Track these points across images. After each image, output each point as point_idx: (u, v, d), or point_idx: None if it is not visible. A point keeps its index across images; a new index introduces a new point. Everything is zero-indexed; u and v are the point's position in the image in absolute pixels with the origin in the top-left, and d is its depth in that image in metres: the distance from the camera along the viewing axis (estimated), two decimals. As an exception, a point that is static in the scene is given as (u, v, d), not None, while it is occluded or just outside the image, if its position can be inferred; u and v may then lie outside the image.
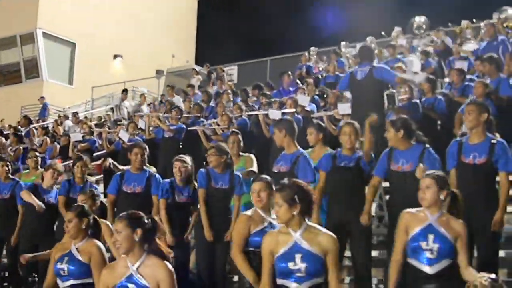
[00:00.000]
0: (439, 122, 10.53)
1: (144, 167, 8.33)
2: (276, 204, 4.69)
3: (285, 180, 4.86)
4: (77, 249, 5.70)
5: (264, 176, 6.05)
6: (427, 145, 6.70)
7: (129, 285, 4.40)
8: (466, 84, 11.35)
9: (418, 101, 10.57)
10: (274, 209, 4.79)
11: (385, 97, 10.09)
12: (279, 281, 4.71)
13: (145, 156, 8.27)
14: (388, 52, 15.61)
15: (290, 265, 4.64)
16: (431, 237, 5.00)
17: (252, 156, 9.03)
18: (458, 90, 11.26)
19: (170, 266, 4.45)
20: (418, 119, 10.14)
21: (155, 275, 4.40)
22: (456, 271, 5.00)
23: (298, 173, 7.15)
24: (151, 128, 13.63)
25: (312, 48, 19.79)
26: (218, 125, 12.53)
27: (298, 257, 4.59)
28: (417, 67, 13.99)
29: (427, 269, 5.01)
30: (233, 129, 10.67)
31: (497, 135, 6.88)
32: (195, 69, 22.37)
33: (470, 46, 14.30)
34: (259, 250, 4.95)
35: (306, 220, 4.69)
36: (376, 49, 15.99)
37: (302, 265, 4.57)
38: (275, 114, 11.47)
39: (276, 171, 7.39)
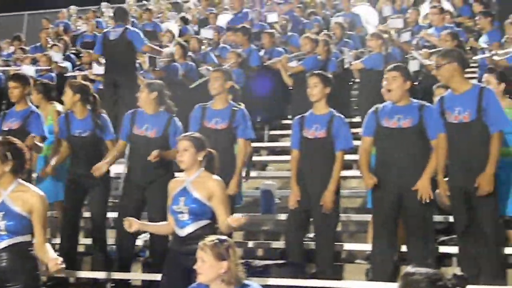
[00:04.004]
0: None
1: None
2: None
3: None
4: None
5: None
6: (174, 115, 6.77)
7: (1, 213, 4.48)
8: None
9: (178, 64, 10.70)
10: None
11: (146, 58, 10.24)
12: None
13: None
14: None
15: None
16: (182, 199, 5.05)
17: None
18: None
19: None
20: (176, 82, 10.46)
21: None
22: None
23: (30, 128, 6.98)
24: None
25: (72, 7, 19.35)
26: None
27: (1, 215, 4.47)
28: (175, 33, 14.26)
29: (180, 232, 5.10)
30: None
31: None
32: None
33: (227, 16, 14.89)
34: None
35: (18, 179, 4.54)
36: (136, 11, 16.09)
37: (2, 223, 4.45)
38: (27, 70, 11.18)
39: None
